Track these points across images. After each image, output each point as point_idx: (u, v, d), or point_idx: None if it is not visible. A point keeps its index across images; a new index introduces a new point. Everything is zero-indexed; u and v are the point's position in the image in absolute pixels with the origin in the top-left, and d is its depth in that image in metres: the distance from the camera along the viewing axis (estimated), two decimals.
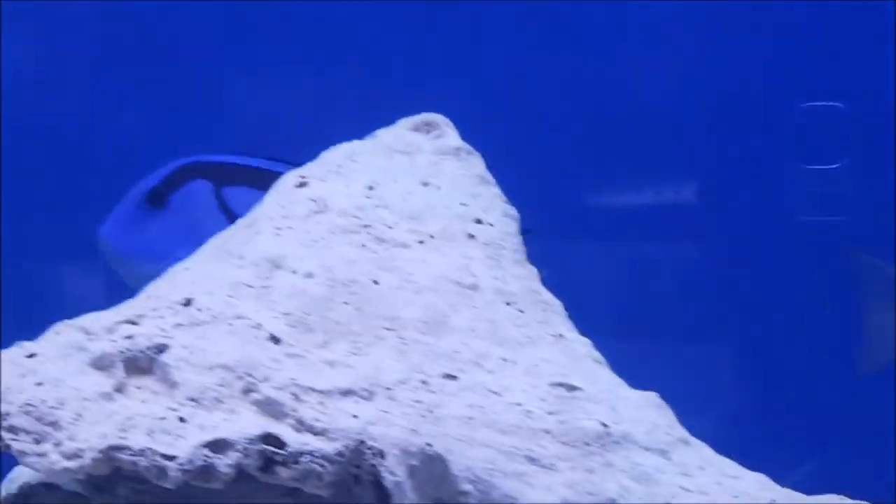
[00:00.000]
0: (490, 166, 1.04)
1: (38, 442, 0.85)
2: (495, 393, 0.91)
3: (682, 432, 0.95)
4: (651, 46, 1.84)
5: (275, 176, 1.34)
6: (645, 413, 0.93)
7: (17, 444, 0.85)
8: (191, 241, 1.32)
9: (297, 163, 1.38)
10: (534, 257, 1.06)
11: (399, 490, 0.81)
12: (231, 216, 1.38)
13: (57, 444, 0.85)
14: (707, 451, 0.93)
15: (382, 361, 0.91)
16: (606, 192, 1.90)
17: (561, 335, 0.98)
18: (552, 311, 1.00)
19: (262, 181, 1.31)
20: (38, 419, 0.86)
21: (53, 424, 0.86)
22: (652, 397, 0.96)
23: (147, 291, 0.99)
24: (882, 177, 1.76)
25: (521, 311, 0.98)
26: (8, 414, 0.86)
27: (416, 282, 0.98)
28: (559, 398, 0.91)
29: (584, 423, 0.88)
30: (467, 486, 0.84)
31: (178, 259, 1.30)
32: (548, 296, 1.01)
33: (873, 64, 1.74)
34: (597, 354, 0.98)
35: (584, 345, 0.98)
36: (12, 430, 0.86)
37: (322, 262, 0.98)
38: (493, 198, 1.08)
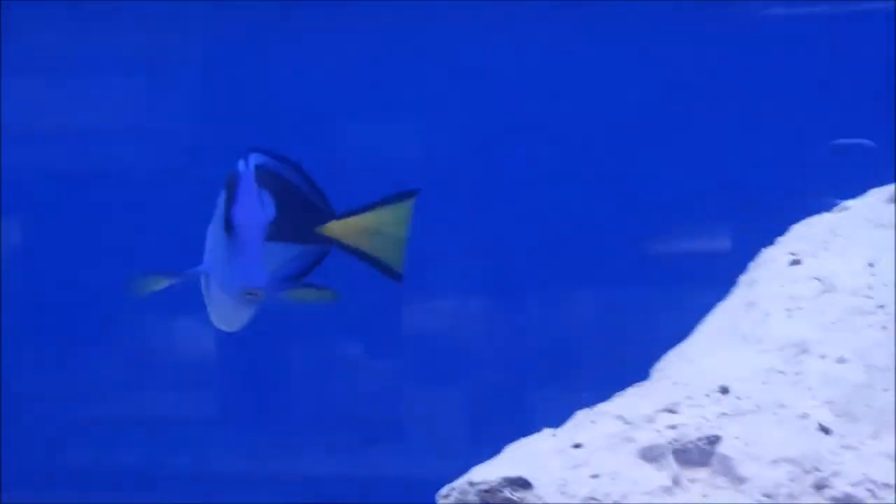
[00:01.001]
0: None
1: None
2: None
3: None
4: (675, 84, 1.76)
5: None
6: None
7: None
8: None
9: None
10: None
11: None
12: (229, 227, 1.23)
13: None
14: None
15: None
16: (641, 239, 1.82)
17: None
18: None
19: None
20: None
21: None
22: None
23: (666, 376, 0.96)
24: None
25: None
26: None
27: None
28: None
29: None
30: None
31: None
32: None
33: None
34: None
35: None
36: None
37: (851, 347, 0.94)
38: None
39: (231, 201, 1.20)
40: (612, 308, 1.78)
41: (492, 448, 0.98)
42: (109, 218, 1.81)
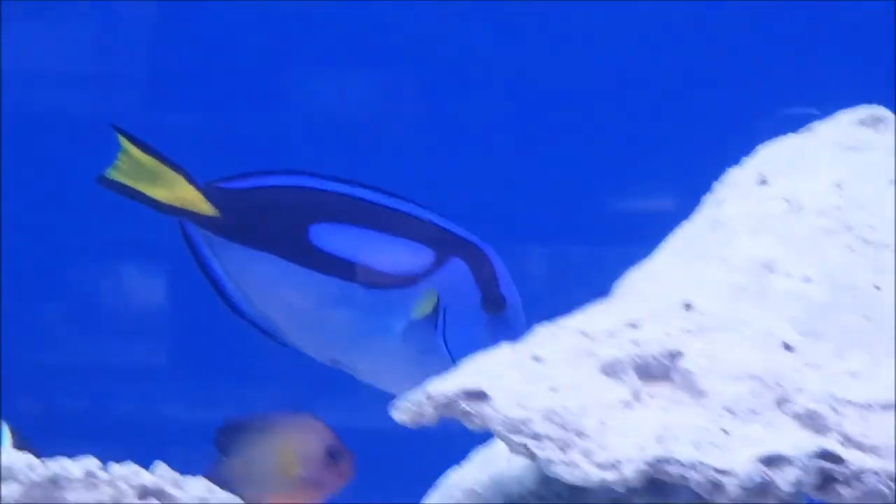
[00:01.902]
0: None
1: (563, 450, 0.81)
2: None
3: None
4: (629, 51, 1.76)
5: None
6: None
7: (543, 452, 0.81)
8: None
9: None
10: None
11: None
12: None
13: (587, 454, 0.80)
14: None
15: None
16: (590, 197, 1.83)
17: None
18: None
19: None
20: (563, 427, 0.81)
21: (578, 432, 0.81)
22: None
23: (629, 292, 0.94)
24: None
25: None
26: (530, 420, 0.82)
27: None
28: None
29: None
30: None
31: None
32: None
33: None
34: None
35: None
36: (536, 437, 0.81)
37: (816, 266, 0.92)
38: None
39: (495, 275, 1.07)
40: (560, 263, 1.77)
41: None
42: (56, 164, 1.77)
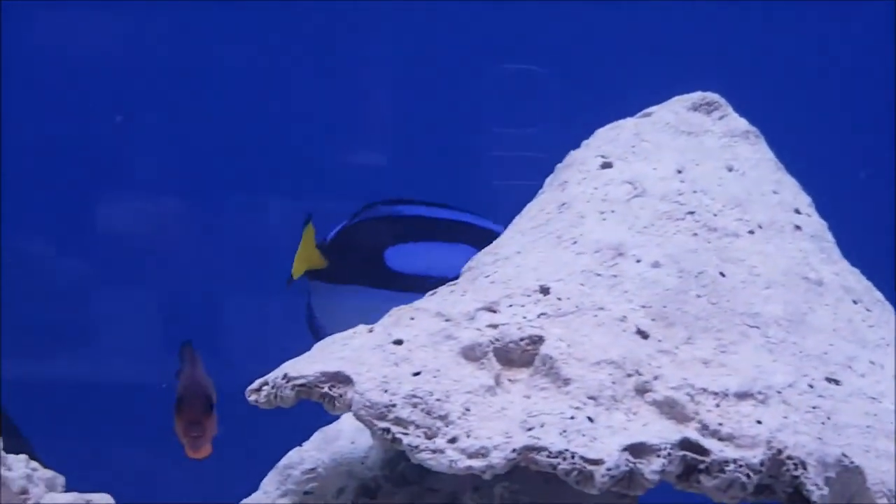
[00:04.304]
0: None
1: (429, 437, 0.79)
2: (875, 399, 0.88)
3: None
4: None
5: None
6: None
7: (408, 437, 0.79)
8: None
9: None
10: None
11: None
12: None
13: (453, 441, 0.79)
14: None
15: (761, 362, 0.87)
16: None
17: None
18: (889, 311, 0.97)
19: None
20: (427, 412, 0.80)
21: (443, 418, 0.80)
22: None
23: (481, 274, 0.93)
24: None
25: (869, 311, 0.95)
26: (394, 405, 0.80)
27: (763, 275, 0.94)
28: None
29: None
30: (883, 501, 0.80)
31: None
32: (879, 294, 0.98)
33: None
34: None
35: None
36: (399, 422, 0.80)
37: (664, 251, 0.93)
38: (794, 185, 1.05)
39: None
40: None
41: None
42: None
